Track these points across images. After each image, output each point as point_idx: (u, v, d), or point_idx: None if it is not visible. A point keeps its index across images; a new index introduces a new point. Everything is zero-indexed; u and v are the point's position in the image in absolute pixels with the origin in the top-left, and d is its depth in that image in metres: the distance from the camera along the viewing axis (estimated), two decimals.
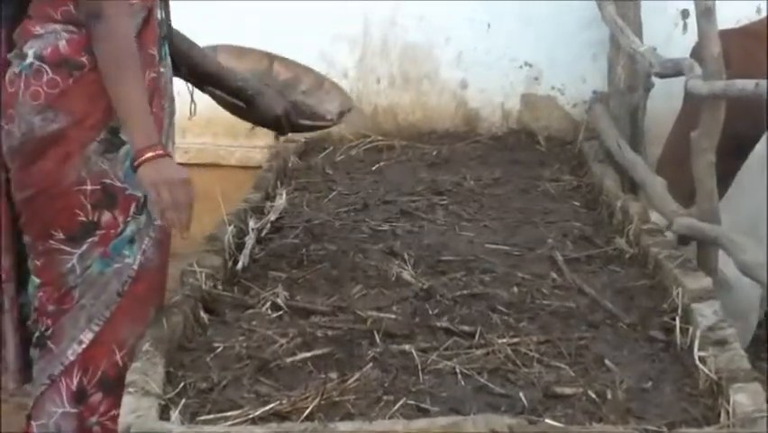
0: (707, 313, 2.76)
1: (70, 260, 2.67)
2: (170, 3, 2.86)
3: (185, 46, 3.09)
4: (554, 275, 3.24)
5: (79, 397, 2.71)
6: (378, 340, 2.77)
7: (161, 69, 2.77)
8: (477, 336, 2.80)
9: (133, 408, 2.36)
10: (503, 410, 2.41)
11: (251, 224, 3.57)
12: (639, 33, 4.52)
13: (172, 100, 2.85)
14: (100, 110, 2.62)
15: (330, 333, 2.81)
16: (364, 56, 5.12)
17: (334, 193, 4.17)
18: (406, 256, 3.33)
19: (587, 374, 2.61)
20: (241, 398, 2.51)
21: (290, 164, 4.60)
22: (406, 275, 3.19)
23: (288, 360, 2.67)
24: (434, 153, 4.73)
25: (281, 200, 3.86)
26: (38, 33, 2.63)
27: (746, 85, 3.03)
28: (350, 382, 2.54)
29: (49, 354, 2.72)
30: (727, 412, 2.35)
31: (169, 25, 2.86)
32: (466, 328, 2.84)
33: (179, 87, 3.02)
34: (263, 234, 3.60)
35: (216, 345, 2.78)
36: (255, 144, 5.05)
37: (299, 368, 2.65)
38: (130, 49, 2.59)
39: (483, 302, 3.01)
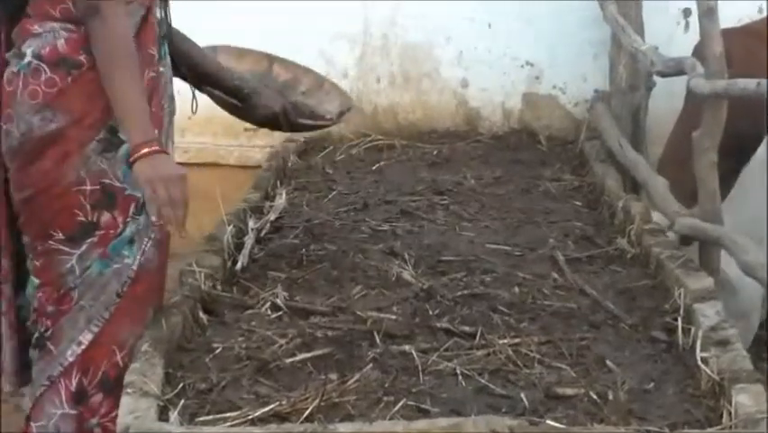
0: (709, 313, 2.75)
1: (69, 260, 2.66)
2: (170, 2, 2.86)
3: (185, 46, 3.09)
4: (556, 275, 3.23)
5: (79, 398, 2.70)
6: (378, 341, 2.76)
7: (161, 69, 2.76)
8: (477, 337, 2.79)
9: (132, 408, 2.35)
10: (504, 411, 2.40)
11: (251, 224, 3.56)
12: (641, 32, 4.51)
13: (172, 99, 2.84)
14: (99, 109, 2.61)
15: (330, 333, 2.80)
16: (364, 55, 5.11)
17: (334, 193, 4.16)
18: (406, 256, 3.32)
19: (588, 375, 2.61)
20: (240, 399, 2.50)
21: (290, 164, 4.59)
22: (407, 275, 3.18)
23: (288, 361, 2.67)
24: (435, 153, 4.73)
25: (281, 200, 3.85)
26: (36, 32, 2.62)
27: (748, 84, 3.03)
28: (350, 382, 2.53)
29: (48, 356, 2.71)
30: (729, 413, 2.34)
31: (169, 25, 2.86)
32: (467, 329, 2.84)
33: (179, 86, 3.02)
34: (263, 234, 3.59)
35: (215, 345, 2.77)
36: (255, 144, 5.05)
37: (299, 369, 2.64)
38: (127, 46, 2.58)
39: (484, 303, 3.01)
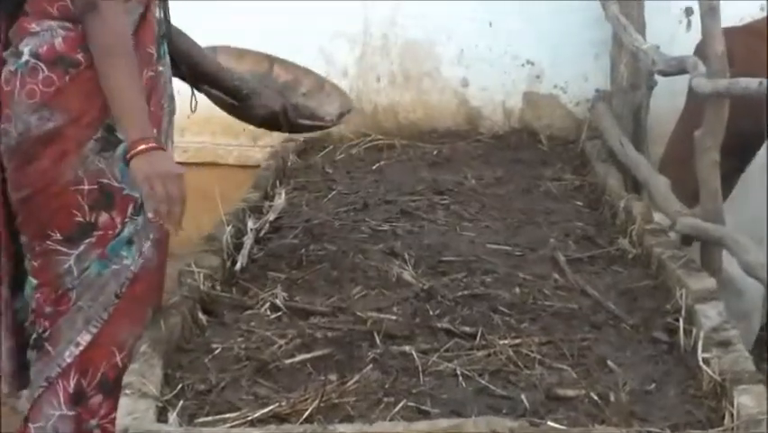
0: (710, 314, 2.75)
1: (67, 261, 2.66)
2: (170, 2, 2.85)
3: (184, 45, 3.08)
4: (556, 276, 3.22)
5: (77, 399, 2.69)
6: (378, 341, 2.75)
7: (160, 68, 2.76)
8: (478, 338, 2.78)
9: (130, 409, 2.35)
10: (504, 412, 2.40)
11: (250, 224, 3.55)
12: (642, 31, 4.50)
13: (171, 99, 2.83)
14: (96, 108, 2.61)
15: (329, 334, 2.79)
16: (364, 54, 5.10)
17: (334, 193, 4.15)
18: (406, 256, 3.32)
19: (589, 376, 2.60)
20: (239, 399, 2.50)
21: (289, 163, 4.59)
22: (407, 276, 3.17)
23: (288, 361, 2.66)
24: (435, 152, 4.72)
25: (280, 200, 3.84)
26: (34, 31, 2.61)
27: (750, 83, 3.02)
28: (350, 383, 2.53)
29: (46, 357, 2.70)
30: (731, 414, 2.33)
31: (168, 24, 2.85)
32: (467, 329, 2.83)
33: (179, 85, 3.01)
34: (262, 234, 3.58)
35: (215, 346, 2.76)
36: (254, 143, 5.03)
37: (298, 369, 2.64)
38: (124, 43, 2.58)
39: (484, 303, 3.00)
